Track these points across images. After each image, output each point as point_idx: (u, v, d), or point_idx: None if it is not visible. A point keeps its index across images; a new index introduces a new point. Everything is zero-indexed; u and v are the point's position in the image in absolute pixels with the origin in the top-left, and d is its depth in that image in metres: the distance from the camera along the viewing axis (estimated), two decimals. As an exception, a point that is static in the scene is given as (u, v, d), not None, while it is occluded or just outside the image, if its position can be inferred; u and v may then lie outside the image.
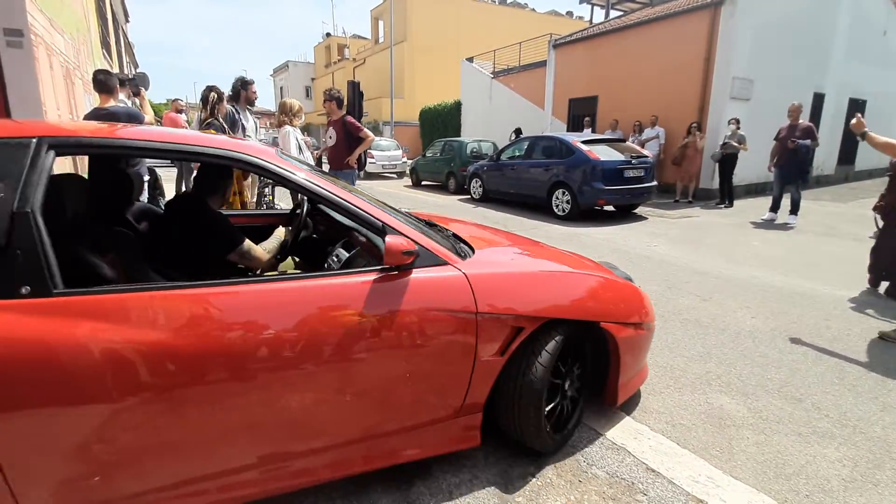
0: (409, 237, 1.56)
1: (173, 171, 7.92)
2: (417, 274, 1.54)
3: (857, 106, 12.47)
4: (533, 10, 33.32)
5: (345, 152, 4.97)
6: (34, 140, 1.24)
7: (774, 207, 7.34)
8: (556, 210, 7.67)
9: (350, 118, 4.97)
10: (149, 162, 4.76)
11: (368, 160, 14.40)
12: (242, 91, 4.61)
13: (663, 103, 10.27)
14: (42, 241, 1.15)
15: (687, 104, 9.84)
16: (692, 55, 9.70)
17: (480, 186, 9.70)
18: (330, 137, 5.02)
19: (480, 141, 12.42)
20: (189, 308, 1.28)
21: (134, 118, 3.53)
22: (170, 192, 6.93)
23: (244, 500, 1.40)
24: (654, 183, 7.68)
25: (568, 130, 12.63)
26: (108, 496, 1.25)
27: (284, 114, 4.41)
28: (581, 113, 12.27)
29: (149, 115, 4.56)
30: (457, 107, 19.08)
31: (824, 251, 5.46)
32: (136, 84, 5.53)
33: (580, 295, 1.90)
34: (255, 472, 1.41)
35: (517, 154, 9.06)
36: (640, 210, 8.15)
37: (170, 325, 1.24)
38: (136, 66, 26.69)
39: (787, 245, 5.77)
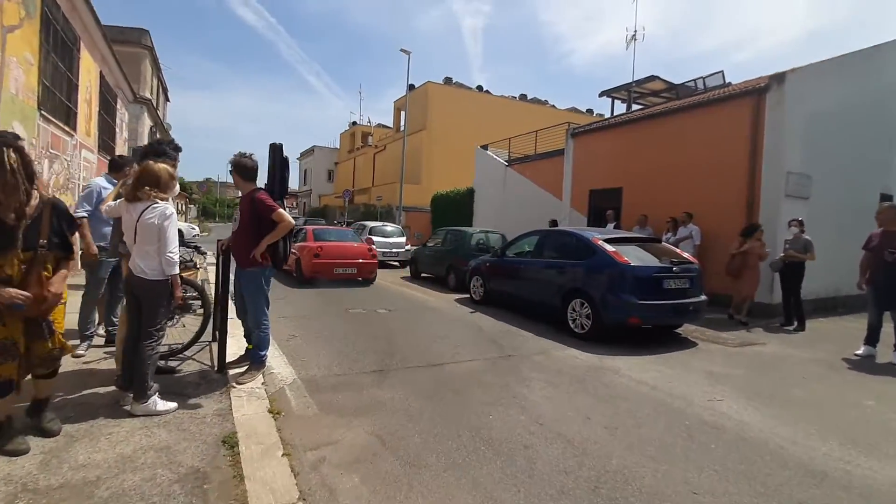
0: None
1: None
2: None
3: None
4: (553, 106, 34.12)
5: (251, 242, 3.38)
6: None
7: (871, 339, 5.39)
8: (572, 325, 5.88)
9: (262, 194, 3.43)
10: None
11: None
12: None
13: (700, 198, 8.78)
14: None
15: (731, 201, 8.32)
16: (734, 146, 8.36)
17: (482, 286, 8.05)
18: (235, 220, 3.57)
19: (489, 232, 11.03)
20: None
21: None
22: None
23: None
24: (704, 298, 5.88)
25: (589, 223, 11.20)
26: None
27: (150, 185, 2.80)
28: (603, 205, 10.89)
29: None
30: (469, 193, 18.22)
31: None
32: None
33: None
34: None
35: (527, 250, 7.52)
36: (684, 329, 6.28)
37: None
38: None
39: (929, 412, 3.77)
